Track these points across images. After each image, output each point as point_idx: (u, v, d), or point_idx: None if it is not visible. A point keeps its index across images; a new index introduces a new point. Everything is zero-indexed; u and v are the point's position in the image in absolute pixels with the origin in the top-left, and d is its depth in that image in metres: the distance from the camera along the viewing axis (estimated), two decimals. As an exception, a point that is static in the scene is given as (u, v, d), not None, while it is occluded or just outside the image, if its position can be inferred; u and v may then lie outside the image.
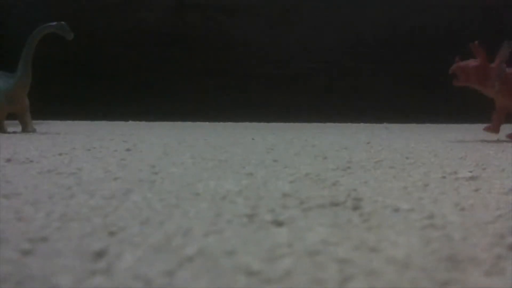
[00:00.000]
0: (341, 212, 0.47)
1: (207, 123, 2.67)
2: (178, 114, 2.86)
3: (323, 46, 2.97)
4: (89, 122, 2.66)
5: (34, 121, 1.73)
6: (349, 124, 2.66)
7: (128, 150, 1.07)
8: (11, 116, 1.69)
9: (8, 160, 0.85)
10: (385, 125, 2.57)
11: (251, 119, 2.83)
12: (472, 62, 1.36)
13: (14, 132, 1.65)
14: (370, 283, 0.28)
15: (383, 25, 2.96)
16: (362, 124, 2.64)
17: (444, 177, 0.69)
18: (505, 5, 2.90)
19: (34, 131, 1.68)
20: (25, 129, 1.67)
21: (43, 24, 1.65)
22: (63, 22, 1.65)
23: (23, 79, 1.61)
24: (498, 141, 1.40)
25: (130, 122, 2.65)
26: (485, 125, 1.47)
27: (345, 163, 0.84)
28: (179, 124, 2.58)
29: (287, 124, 2.65)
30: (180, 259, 0.32)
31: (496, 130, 1.39)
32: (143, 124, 2.51)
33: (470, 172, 0.74)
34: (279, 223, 0.42)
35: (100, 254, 0.33)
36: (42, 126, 2.17)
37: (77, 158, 0.90)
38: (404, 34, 2.95)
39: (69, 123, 2.54)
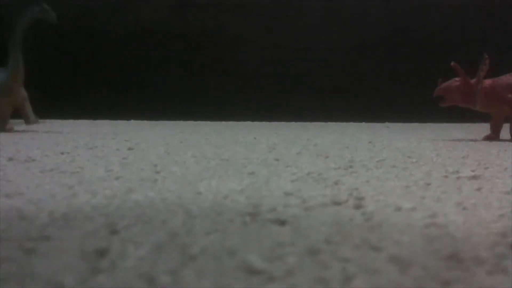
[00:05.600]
0: (343, 211, 0.47)
1: (208, 122, 2.67)
2: (180, 113, 2.86)
3: (325, 45, 2.97)
4: (90, 121, 2.66)
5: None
6: (351, 123, 2.66)
7: (130, 149, 1.07)
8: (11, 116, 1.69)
9: (10, 159, 0.85)
10: (386, 124, 2.57)
11: (253, 118, 2.83)
12: (454, 82, 1.38)
13: (16, 131, 1.65)
14: (372, 282, 0.28)
15: (384, 25, 2.96)
16: (363, 123, 2.64)
17: (446, 176, 0.69)
18: (505, 5, 2.90)
19: (37, 122, 1.66)
20: (28, 121, 1.64)
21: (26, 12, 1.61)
22: (44, 5, 1.60)
23: (15, 70, 1.59)
24: (500, 140, 1.40)
25: (132, 121, 2.65)
26: (486, 124, 1.47)
27: (347, 162, 0.84)
28: (180, 123, 2.58)
29: (288, 123, 2.65)
30: (183, 258, 0.32)
31: (496, 137, 1.40)
32: (144, 123, 2.51)
33: (473, 171, 0.74)
34: (281, 222, 0.42)
35: (102, 253, 0.33)
36: (44, 125, 2.17)
37: (79, 157, 0.90)
38: (405, 34, 2.95)
39: (71, 122, 2.55)
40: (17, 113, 1.67)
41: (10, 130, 1.63)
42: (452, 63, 1.36)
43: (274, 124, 2.55)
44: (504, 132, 1.47)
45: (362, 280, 0.28)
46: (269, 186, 0.60)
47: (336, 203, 0.50)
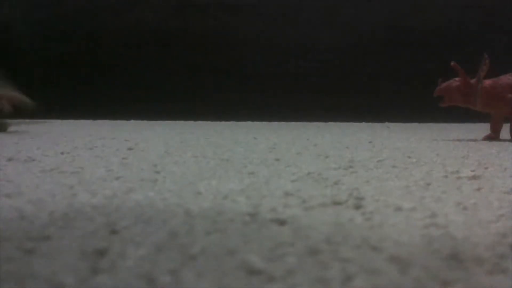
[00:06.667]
0: (343, 211, 0.47)
1: (208, 122, 2.67)
2: (180, 113, 2.86)
3: (324, 45, 2.97)
4: (90, 121, 2.66)
5: (35, 121, 1.72)
6: (351, 123, 2.66)
7: (130, 149, 1.07)
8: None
9: (10, 159, 0.85)
10: (386, 124, 2.57)
11: (253, 118, 2.83)
12: (454, 82, 1.38)
13: (16, 131, 1.65)
14: (372, 282, 0.28)
15: (384, 25, 2.96)
16: (363, 123, 2.64)
17: (446, 176, 0.69)
18: (505, 5, 2.90)
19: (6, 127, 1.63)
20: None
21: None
22: None
23: None
24: (500, 140, 1.40)
25: (132, 121, 2.65)
26: (486, 124, 1.47)
27: (347, 162, 0.84)
28: (180, 123, 2.58)
29: (288, 123, 2.65)
30: (183, 258, 0.32)
31: (496, 137, 1.40)
32: (144, 123, 2.51)
33: (473, 171, 0.74)
34: (281, 222, 0.42)
35: (102, 253, 0.33)
36: (44, 125, 2.17)
37: (79, 157, 0.90)
38: (404, 34, 2.95)
39: (71, 122, 2.54)
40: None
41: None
42: (452, 63, 1.36)
43: (274, 124, 2.55)
44: (504, 132, 1.47)
45: (362, 280, 0.28)
46: (269, 186, 0.60)
47: (336, 203, 0.50)
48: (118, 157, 0.91)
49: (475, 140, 1.40)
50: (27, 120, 2.02)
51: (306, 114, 2.83)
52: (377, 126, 2.39)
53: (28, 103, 1.62)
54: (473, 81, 1.36)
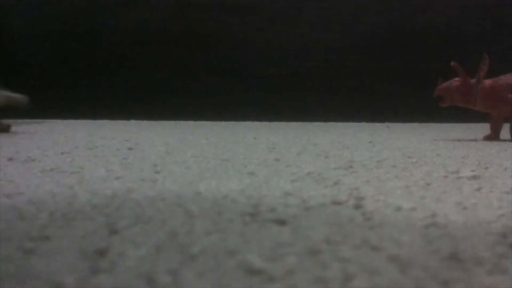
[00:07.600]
0: (343, 211, 0.47)
1: (208, 122, 2.67)
2: (180, 113, 2.86)
3: (324, 45, 2.97)
4: (91, 121, 2.66)
5: (36, 121, 1.72)
6: (351, 123, 2.66)
7: (130, 149, 1.07)
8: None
9: (10, 159, 0.85)
10: (386, 124, 2.57)
11: (253, 118, 2.83)
12: (454, 82, 1.38)
13: (16, 131, 1.65)
14: (372, 282, 0.28)
15: (384, 25, 2.96)
16: (363, 123, 2.64)
17: (446, 176, 0.69)
18: (505, 5, 2.90)
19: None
20: None
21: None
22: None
23: None
24: (500, 140, 1.40)
25: (132, 121, 2.65)
26: (486, 124, 1.47)
27: (347, 162, 0.84)
28: (180, 123, 2.58)
29: (288, 123, 2.65)
30: (183, 258, 0.32)
31: (496, 137, 1.40)
32: (145, 123, 2.51)
33: (473, 171, 0.74)
34: (281, 222, 0.42)
35: (102, 253, 0.33)
36: (44, 125, 2.17)
37: (79, 157, 0.90)
38: (405, 33, 2.95)
39: (71, 122, 2.55)
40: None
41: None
42: (452, 63, 1.36)
43: (274, 124, 2.55)
44: (504, 132, 1.47)
45: (362, 280, 0.28)
46: (269, 186, 0.60)
47: (336, 203, 0.50)
48: (118, 157, 0.91)
49: (475, 140, 1.40)
50: (27, 120, 2.02)
51: (306, 114, 2.83)
52: (377, 126, 2.39)
53: (18, 98, 1.60)
54: (473, 81, 1.36)
